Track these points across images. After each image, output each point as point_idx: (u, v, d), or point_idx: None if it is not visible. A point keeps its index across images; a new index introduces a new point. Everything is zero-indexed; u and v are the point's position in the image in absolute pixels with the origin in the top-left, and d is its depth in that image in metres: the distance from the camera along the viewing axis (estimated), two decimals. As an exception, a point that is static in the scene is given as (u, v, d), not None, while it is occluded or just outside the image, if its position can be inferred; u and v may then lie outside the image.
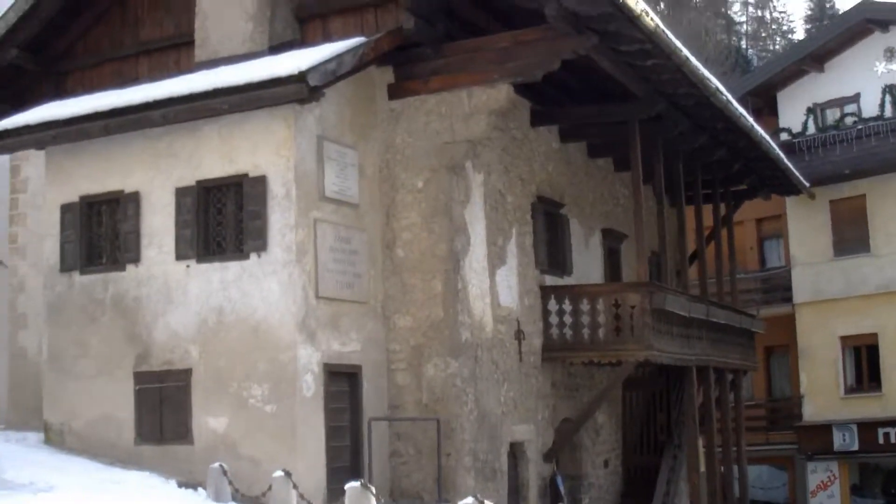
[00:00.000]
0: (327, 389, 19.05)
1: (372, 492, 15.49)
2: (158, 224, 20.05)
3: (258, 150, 19.17)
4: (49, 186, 21.52)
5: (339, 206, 19.81)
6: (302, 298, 18.68)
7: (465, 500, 13.51)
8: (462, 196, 20.86)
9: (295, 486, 15.38)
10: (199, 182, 19.72)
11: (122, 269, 20.37)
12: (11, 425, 23.21)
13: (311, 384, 18.67)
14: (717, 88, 23.40)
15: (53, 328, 21.09)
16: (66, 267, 20.98)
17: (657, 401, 28.91)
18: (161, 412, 19.60)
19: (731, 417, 29.72)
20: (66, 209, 21.07)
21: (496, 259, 22.02)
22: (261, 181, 19.00)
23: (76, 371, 20.64)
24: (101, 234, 20.91)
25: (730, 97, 24.69)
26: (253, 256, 18.99)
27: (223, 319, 19.20)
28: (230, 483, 16.88)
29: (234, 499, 17.27)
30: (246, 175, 19.20)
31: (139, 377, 19.92)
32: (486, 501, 19.87)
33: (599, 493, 26.33)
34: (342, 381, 19.65)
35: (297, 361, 18.47)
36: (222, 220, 19.63)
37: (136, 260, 20.22)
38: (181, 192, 19.83)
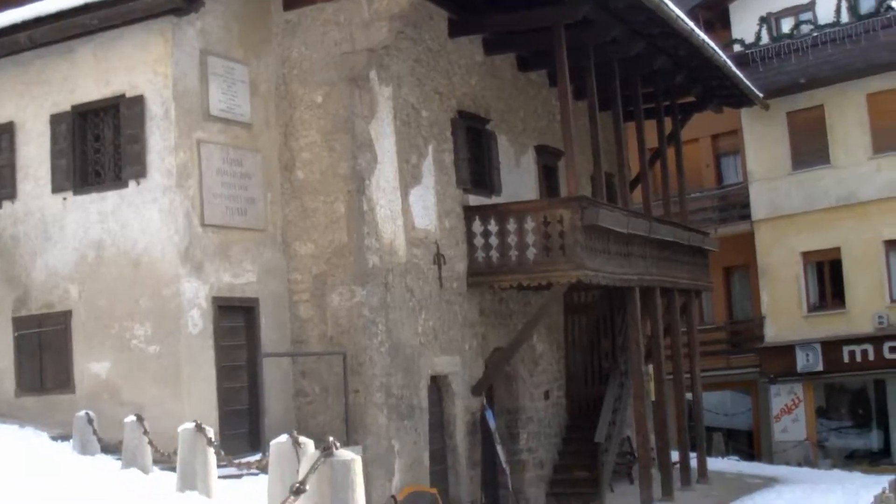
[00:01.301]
0: (218, 326, 17.53)
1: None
2: (33, 155, 18.51)
3: (135, 68, 17.59)
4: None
5: (227, 126, 18.21)
6: (185, 227, 17.12)
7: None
8: (366, 110, 19.24)
9: (146, 432, 13.76)
10: (74, 107, 18.17)
11: (-1, 206, 18.78)
12: None
13: (197, 320, 17.14)
14: (647, -13, 21.68)
15: (-69, 274, 19.50)
16: (-61, 206, 19.38)
17: (602, 326, 27.35)
18: (41, 359, 18.17)
19: (682, 342, 28.16)
20: (-62, 145, 19.45)
21: (409, 178, 20.43)
22: (138, 101, 17.43)
23: (-47, 318, 19.09)
24: (-27, 170, 19.31)
25: (663, -2, 22.97)
26: (132, 184, 17.44)
27: (103, 254, 17.68)
28: (95, 433, 15.28)
29: (105, 450, 15.70)
30: (123, 96, 17.64)
31: (18, 322, 18.47)
32: (393, 441, 18.72)
33: (539, 426, 24.87)
34: (236, 316, 18.14)
35: (181, 296, 16.95)
36: (100, 147, 18.10)
37: (11, 196, 18.69)
38: (56, 120, 18.27)
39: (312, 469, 8.03)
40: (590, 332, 27.22)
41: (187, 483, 11.32)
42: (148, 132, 17.29)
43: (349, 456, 8.24)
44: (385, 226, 19.47)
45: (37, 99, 18.43)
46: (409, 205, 20.31)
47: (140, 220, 17.30)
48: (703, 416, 30.09)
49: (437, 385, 21.22)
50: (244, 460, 13.47)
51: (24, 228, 18.46)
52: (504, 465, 22.08)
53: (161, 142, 17.19)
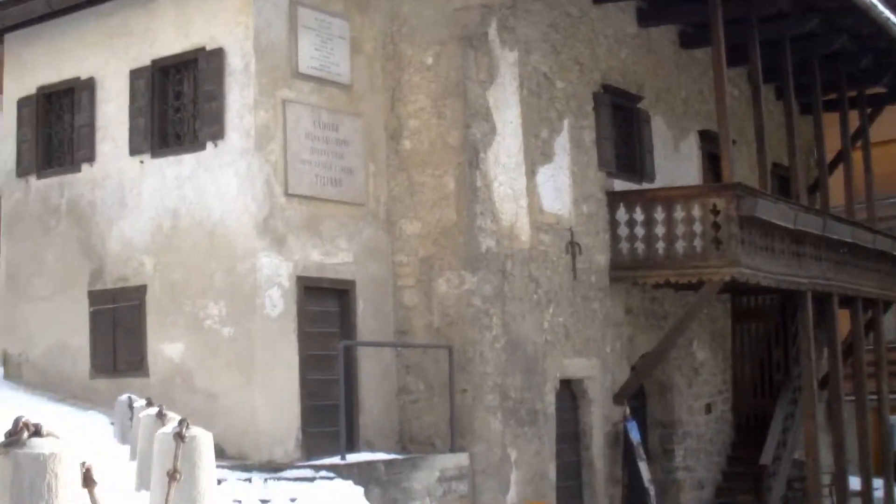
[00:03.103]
0: (303, 309, 15.52)
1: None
2: (113, 114, 16.85)
3: (215, 18, 15.75)
4: (7, 80, 18.54)
5: (321, 86, 16.24)
6: (264, 195, 15.19)
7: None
8: (483, 74, 17.03)
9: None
10: (154, 62, 16.42)
11: (78, 169, 17.24)
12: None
13: (277, 301, 15.16)
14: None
15: (10, 242, 18.20)
16: (22, 171, 18.02)
17: (776, 335, 24.41)
18: (114, 338, 16.45)
19: (868, 360, 24.94)
20: (22, 104, 18.12)
21: (538, 155, 18.12)
22: (217, 55, 15.58)
23: (31, 291, 17.70)
24: (57, 130, 17.83)
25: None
26: (209, 146, 15.59)
27: (178, 224, 15.88)
28: (131, 419, 13.40)
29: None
30: (202, 49, 15.81)
31: (93, 297, 16.79)
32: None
33: (699, 443, 22.16)
34: (327, 300, 16.13)
35: (258, 273, 14.99)
36: (179, 105, 16.31)
37: (90, 158, 17.06)
38: (135, 75, 16.58)
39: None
40: (761, 341, 24.34)
41: (146, 481, 9.01)
42: (227, 89, 15.43)
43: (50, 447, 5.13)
44: (504, 206, 17.21)
45: (117, 52, 16.79)
46: (536, 185, 18.01)
47: (216, 186, 15.45)
48: (892, 444, 26.75)
49: (571, 390, 18.86)
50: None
51: (101, 194, 16.85)
52: (648, 485, 19.47)
53: (240, 99, 15.31)
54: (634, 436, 19.53)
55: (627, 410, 19.59)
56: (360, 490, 13.48)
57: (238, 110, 15.29)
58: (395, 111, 17.15)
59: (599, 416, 19.13)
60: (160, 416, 7.91)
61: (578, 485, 18.82)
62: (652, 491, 19.44)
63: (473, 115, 16.75)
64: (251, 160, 15.11)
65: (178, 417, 7.85)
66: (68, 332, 16.99)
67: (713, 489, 22.45)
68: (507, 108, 17.45)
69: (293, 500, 12.99)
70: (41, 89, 17.82)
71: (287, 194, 15.44)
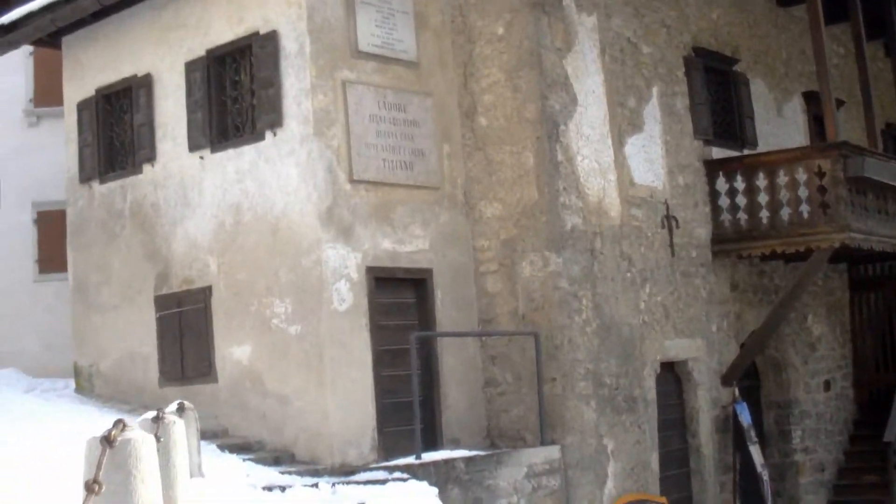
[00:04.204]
0: (374, 301, 14.56)
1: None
2: (171, 110, 16.09)
3: (268, 0, 14.80)
4: (67, 85, 17.86)
5: (384, 65, 15.26)
6: (327, 183, 14.27)
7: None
8: (558, 42, 15.94)
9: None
10: (208, 52, 15.60)
11: (139, 170, 16.50)
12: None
13: (345, 295, 14.23)
14: None
15: (76, 251, 17.55)
16: (84, 176, 17.35)
17: (898, 304, 22.88)
18: (181, 344, 15.67)
19: None
20: (82, 107, 17.42)
21: (625, 125, 16.98)
22: (271, 38, 14.70)
23: (100, 301, 17.02)
24: (118, 132, 17.13)
25: None
26: (268, 136, 14.71)
27: (241, 220, 15.04)
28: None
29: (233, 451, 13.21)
30: (256, 34, 14.95)
31: (160, 302, 16.02)
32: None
33: (818, 423, 20.71)
34: (402, 291, 15.18)
35: (324, 266, 14.08)
36: (237, 95, 15.44)
37: (151, 158, 16.32)
38: (191, 67, 15.77)
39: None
40: (882, 312, 22.78)
41: None
42: (283, 74, 14.53)
43: None
44: (590, 181, 16.09)
45: (173, 46, 16.01)
46: (624, 156, 16.86)
47: (277, 177, 14.57)
48: None
49: (674, 374, 17.68)
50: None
51: (163, 194, 16.10)
52: (760, 470, 18.18)
53: (297, 84, 14.40)
54: (745, 418, 18.24)
55: (736, 392, 18.33)
56: (433, 491, 12.49)
57: (295, 95, 14.39)
58: (469, 87, 16.13)
59: (706, 400, 17.92)
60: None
61: (685, 474, 17.64)
62: (765, 476, 18.15)
63: (550, 85, 15.67)
64: (311, 147, 14.19)
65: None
66: (137, 340, 16.30)
67: (835, 470, 21.00)
68: (587, 77, 16.33)
69: (361, 504, 12.08)
70: (99, 91, 17.14)
71: (352, 181, 14.50)
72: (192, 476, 9.92)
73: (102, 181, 17.01)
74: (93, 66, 17.25)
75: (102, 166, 17.03)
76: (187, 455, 8.13)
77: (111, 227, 16.83)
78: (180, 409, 10.01)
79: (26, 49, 20.27)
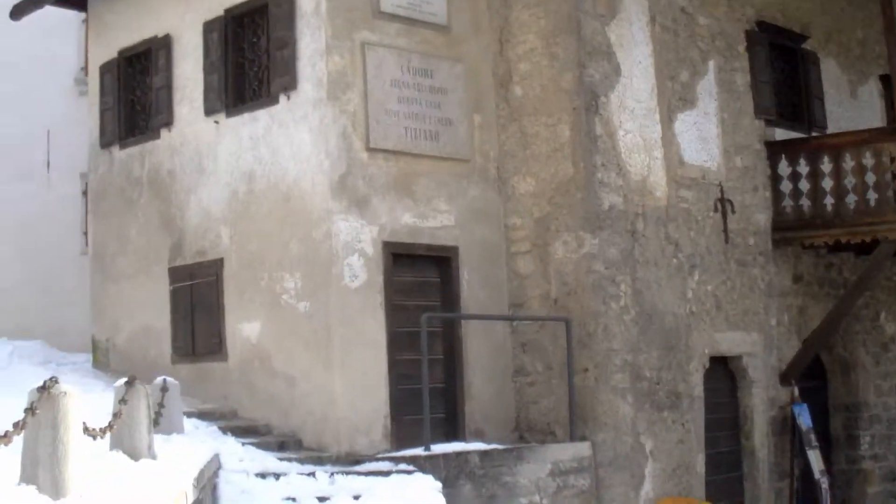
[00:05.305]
0: (390, 279, 13.57)
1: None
2: (189, 72, 15.27)
3: (286, -45, 13.94)
4: (92, 47, 17.20)
5: (410, 28, 14.29)
6: (340, 150, 13.33)
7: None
8: (601, 7, 14.84)
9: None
10: (227, 11, 14.73)
11: (157, 136, 15.69)
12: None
13: (358, 271, 13.28)
14: None
15: (96, 220, 16.83)
16: (105, 142, 16.61)
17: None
18: (193, 319, 14.84)
19: None
20: (104, 70, 16.66)
21: (675, 100, 15.82)
22: (287, -4, 13.76)
23: (116, 272, 16.28)
24: (139, 95, 16.35)
25: None
26: (282, 99, 13.82)
27: (254, 188, 14.17)
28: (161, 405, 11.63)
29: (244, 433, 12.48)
30: (274, -9, 14.00)
31: (174, 274, 15.22)
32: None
33: (889, 428, 19.29)
34: (425, 269, 14.20)
35: (334, 239, 13.14)
36: (254, 57, 14.55)
37: (168, 123, 15.53)
38: (209, 27, 14.92)
39: None
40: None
41: (29, 474, 6.78)
42: (298, 33, 13.64)
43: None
44: (633, 157, 14.96)
45: (192, 5, 15.20)
46: (673, 133, 15.70)
47: (290, 143, 13.67)
48: None
49: (728, 369, 16.49)
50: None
51: (179, 161, 15.29)
52: (819, 477, 16.92)
53: (312, 44, 13.49)
54: (804, 421, 16.97)
55: (796, 391, 17.07)
56: (437, 486, 11.51)
57: (310, 57, 13.48)
58: (504, 54, 15.10)
59: (762, 399, 16.68)
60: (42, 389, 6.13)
61: (737, 478, 16.44)
62: (824, 484, 16.85)
63: (590, 53, 14.57)
64: (324, 112, 13.27)
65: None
66: (151, 314, 15.53)
67: (910, 480, 19.69)
68: (634, 46, 15.20)
69: (357, 497, 11.15)
70: (122, 52, 16.39)
71: (369, 149, 13.54)
72: (138, 458, 9.03)
73: (122, 146, 16.27)
74: (116, 27, 16.55)
75: (122, 131, 16.30)
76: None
77: (129, 195, 16.09)
78: (129, 383, 9.10)
79: (78, 16, 19.56)
